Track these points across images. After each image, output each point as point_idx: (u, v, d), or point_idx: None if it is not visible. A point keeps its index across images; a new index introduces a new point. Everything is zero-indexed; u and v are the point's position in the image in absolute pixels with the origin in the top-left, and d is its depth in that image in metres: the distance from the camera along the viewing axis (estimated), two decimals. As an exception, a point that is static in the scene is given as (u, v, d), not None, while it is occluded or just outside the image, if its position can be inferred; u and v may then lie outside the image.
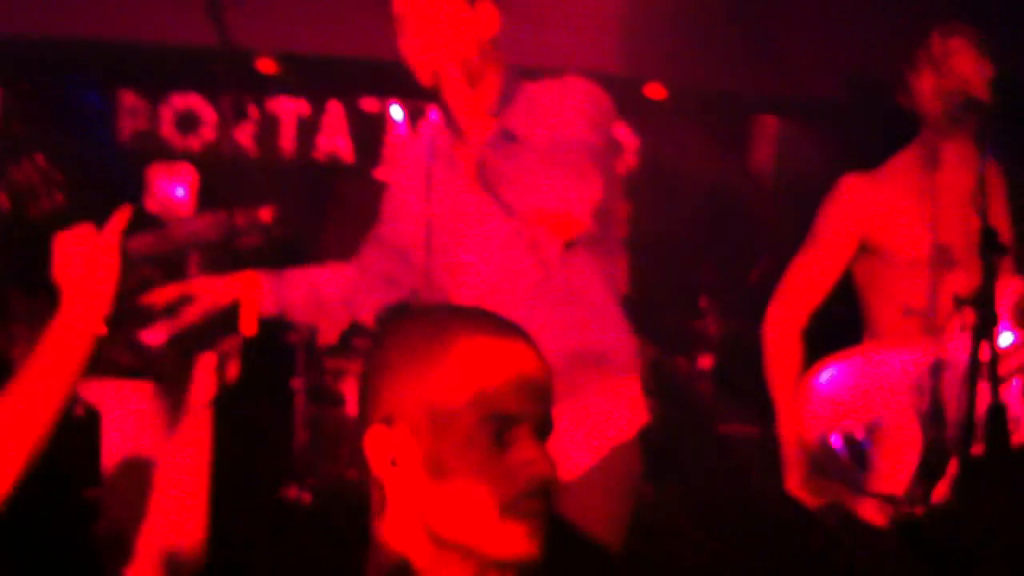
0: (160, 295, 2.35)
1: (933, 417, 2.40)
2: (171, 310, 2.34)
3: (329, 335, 4.73)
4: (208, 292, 2.40)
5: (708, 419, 4.47)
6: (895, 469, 2.41)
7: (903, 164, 2.54)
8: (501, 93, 2.22)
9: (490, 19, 2.20)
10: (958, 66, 2.36)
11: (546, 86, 2.24)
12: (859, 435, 2.45)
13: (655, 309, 4.87)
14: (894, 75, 2.50)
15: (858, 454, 2.45)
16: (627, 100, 6.23)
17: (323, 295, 2.48)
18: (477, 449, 1.23)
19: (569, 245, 2.25)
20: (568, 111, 2.20)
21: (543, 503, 1.25)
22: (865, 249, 2.52)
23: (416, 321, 1.32)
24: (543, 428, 1.28)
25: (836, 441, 2.48)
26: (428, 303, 2.36)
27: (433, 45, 2.15)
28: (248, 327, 2.44)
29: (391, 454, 1.25)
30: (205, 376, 2.35)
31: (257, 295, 2.42)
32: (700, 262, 5.69)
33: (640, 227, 5.76)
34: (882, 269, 2.51)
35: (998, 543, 2.24)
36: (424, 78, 2.17)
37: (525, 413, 1.26)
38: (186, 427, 2.33)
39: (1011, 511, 2.32)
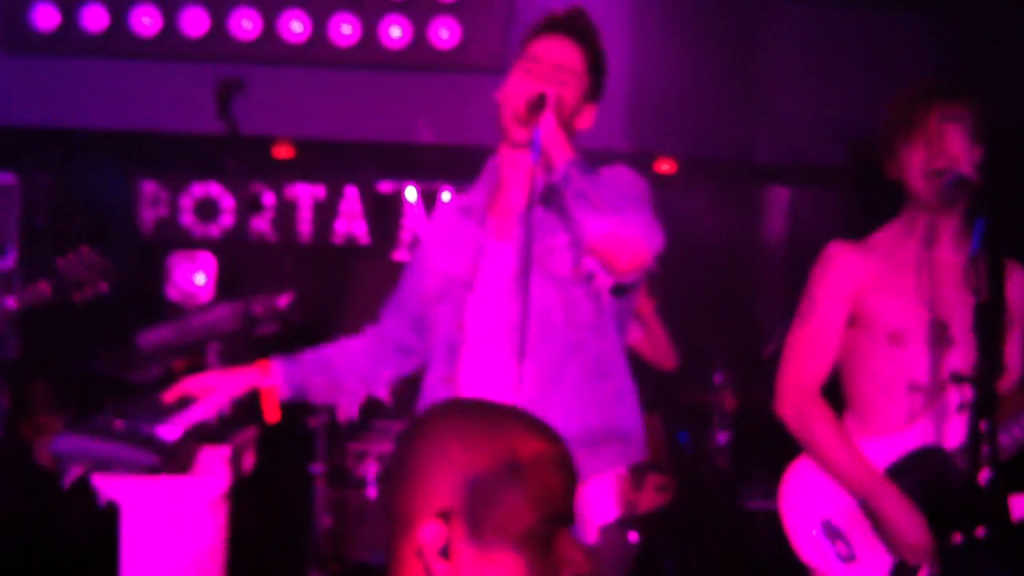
0: (176, 389, 2.42)
1: (923, 496, 2.41)
2: (186, 404, 2.40)
3: (348, 411, 4.76)
4: (224, 384, 2.46)
5: (726, 494, 4.46)
6: (873, 557, 2.42)
7: (889, 236, 2.55)
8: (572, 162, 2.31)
9: (591, 96, 2.43)
10: (950, 146, 2.38)
11: (598, 168, 2.35)
12: (843, 526, 2.46)
13: (670, 383, 4.88)
14: (885, 148, 2.52)
15: (835, 540, 2.46)
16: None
17: (338, 372, 2.55)
18: (531, 548, 1.28)
19: (620, 291, 2.32)
20: (625, 183, 2.36)
21: None
22: (853, 322, 2.51)
23: (470, 416, 1.36)
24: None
25: (821, 532, 2.48)
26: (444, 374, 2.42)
27: (555, 78, 2.34)
28: (270, 415, 2.50)
29: (444, 547, 1.29)
30: (221, 468, 2.39)
31: (273, 382, 2.48)
32: (714, 335, 5.71)
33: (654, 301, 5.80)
34: (867, 343, 2.49)
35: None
36: (519, 106, 2.33)
37: (572, 513, 1.33)
38: (204, 520, 2.36)
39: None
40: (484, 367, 2.39)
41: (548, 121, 2.28)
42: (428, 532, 1.28)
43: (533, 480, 1.30)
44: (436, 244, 2.55)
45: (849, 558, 2.44)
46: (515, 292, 2.33)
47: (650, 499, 4.23)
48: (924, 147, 2.41)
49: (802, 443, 2.51)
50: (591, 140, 6.06)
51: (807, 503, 2.49)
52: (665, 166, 6.09)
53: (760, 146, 6.16)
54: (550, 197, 2.36)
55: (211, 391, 2.44)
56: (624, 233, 2.18)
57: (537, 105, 2.30)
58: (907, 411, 2.43)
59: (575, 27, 2.43)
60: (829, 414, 2.49)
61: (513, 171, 2.45)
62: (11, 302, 3.16)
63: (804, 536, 2.48)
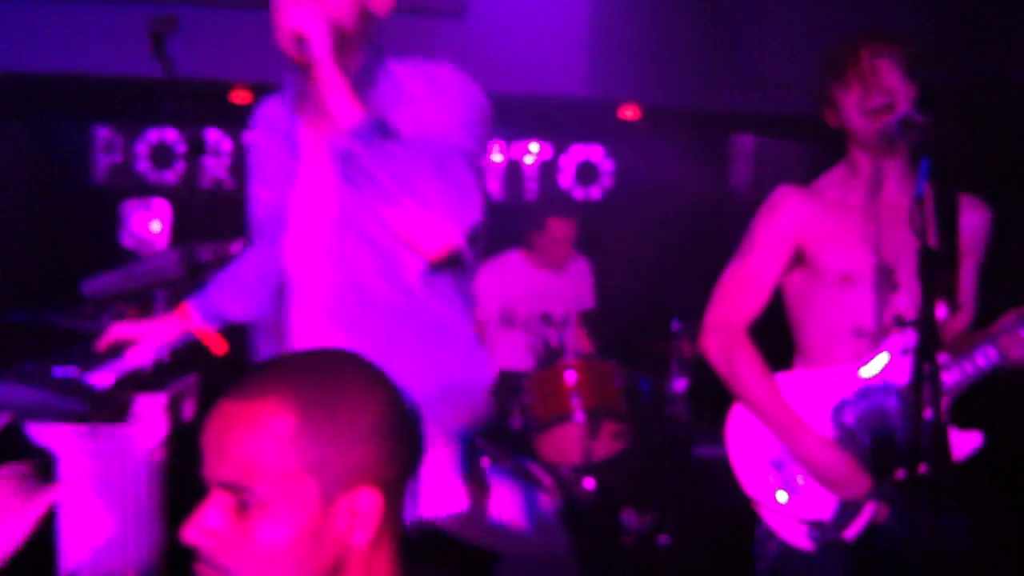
0: (106, 338, 2.38)
1: (858, 439, 2.42)
2: (117, 352, 2.37)
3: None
4: (150, 332, 2.41)
5: (683, 441, 4.48)
6: (822, 493, 2.42)
7: (835, 180, 2.54)
8: (366, 71, 2.02)
9: None
10: (885, 80, 2.36)
11: (415, 70, 2.03)
12: (786, 460, 2.45)
13: (629, 331, 4.89)
14: (823, 97, 2.49)
15: (787, 479, 2.46)
16: (601, 122, 6.28)
17: (244, 283, 2.40)
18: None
19: (436, 268, 2.06)
20: (443, 109, 1.98)
21: None
22: (799, 261, 2.51)
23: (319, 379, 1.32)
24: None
25: (767, 467, 2.47)
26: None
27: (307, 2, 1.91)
28: (215, 349, 2.46)
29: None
30: (157, 416, 2.37)
31: (194, 321, 2.41)
32: (675, 283, 5.71)
33: (616, 249, 5.80)
34: (815, 286, 2.49)
35: (941, 561, 2.26)
36: (288, 46, 1.94)
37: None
38: (140, 468, 2.35)
39: (952, 528, 2.34)
40: (310, 328, 2.16)
41: (323, 70, 1.92)
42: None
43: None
44: (252, 159, 2.27)
45: (795, 492, 2.44)
46: (332, 260, 2.09)
47: (606, 446, 4.24)
48: (859, 86, 2.39)
49: (724, 380, 2.50)
50: (552, 85, 6.03)
51: (754, 439, 2.48)
52: (629, 112, 6.04)
53: (726, 94, 6.12)
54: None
55: (140, 339, 2.39)
56: (423, 218, 1.91)
57: (301, 44, 1.92)
58: (854, 353, 2.43)
59: None
60: (753, 353, 2.47)
61: (322, 100, 1.99)
62: None
63: (750, 470, 2.47)
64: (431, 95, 1.99)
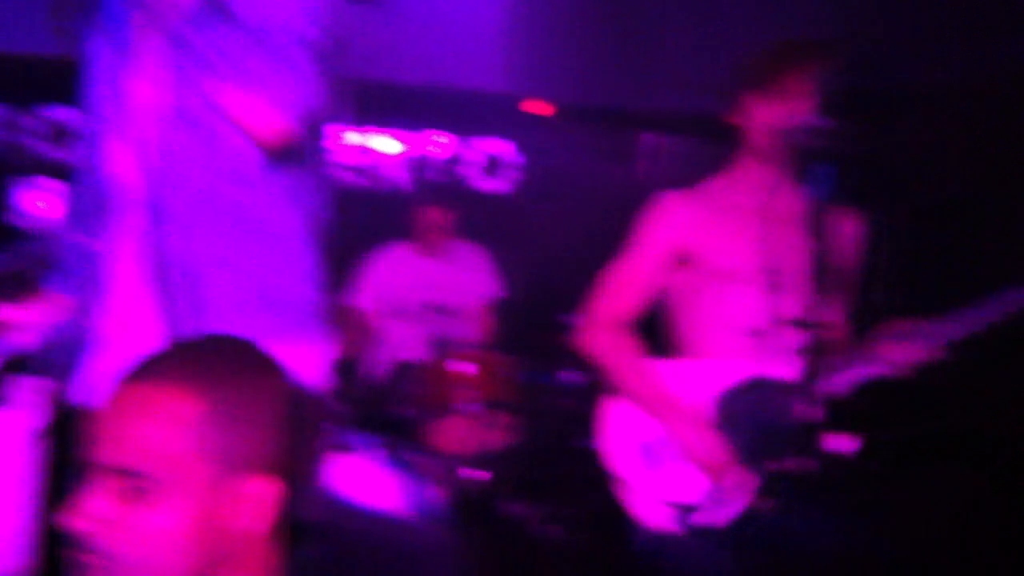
0: None
1: (737, 429, 2.45)
2: (3, 332, 2.30)
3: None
4: (34, 314, 2.35)
5: (572, 434, 4.51)
6: (691, 477, 2.45)
7: (722, 182, 2.59)
8: None
9: None
10: (806, 105, 2.39)
11: None
12: (656, 442, 2.47)
13: (530, 324, 4.90)
14: (733, 98, 2.53)
15: (656, 462, 2.48)
16: (511, 116, 6.28)
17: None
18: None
19: (273, 158, 1.98)
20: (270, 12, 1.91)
21: None
22: (683, 262, 2.53)
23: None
24: None
25: (636, 450, 2.49)
26: None
27: None
28: None
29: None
30: (37, 402, 2.31)
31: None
32: (580, 277, 5.74)
33: (521, 242, 5.81)
34: (701, 286, 2.53)
35: (810, 556, 2.31)
36: None
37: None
38: (16, 455, 2.29)
39: (821, 524, 2.40)
40: (128, 232, 2.06)
41: None
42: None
43: None
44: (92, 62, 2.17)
45: (664, 474, 2.45)
46: (158, 151, 1.99)
47: (500, 438, 4.25)
48: (779, 102, 2.44)
49: (602, 371, 2.52)
50: (465, 78, 6.02)
51: (625, 423, 2.50)
52: (539, 108, 6.07)
53: (636, 92, 6.17)
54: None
55: (23, 322, 2.33)
56: (253, 102, 1.88)
57: None
58: (739, 348, 2.48)
59: None
60: (631, 341, 2.51)
61: None
62: None
63: (619, 452, 2.49)
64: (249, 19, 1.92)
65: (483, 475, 4.07)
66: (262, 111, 1.89)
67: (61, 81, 5.18)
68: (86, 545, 1.22)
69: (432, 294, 4.75)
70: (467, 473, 4.02)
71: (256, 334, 1.96)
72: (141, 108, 2.04)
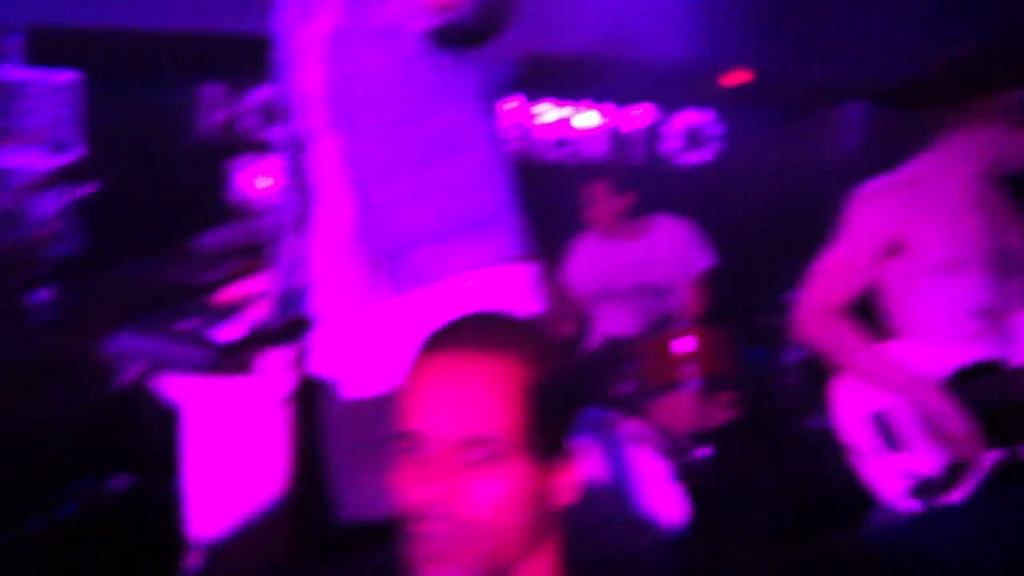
0: (235, 290, 2.35)
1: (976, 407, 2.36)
2: (246, 305, 2.34)
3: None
4: (270, 286, 2.38)
5: (793, 413, 4.39)
6: (928, 450, 2.38)
7: (932, 162, 2.50)
8: None
9: None
10: None
11: None
12: (893, 415, 2.43)
13: (737, 300, 4.78)
14: (980, 86, 2.43)
15: (892, 436, 2.42)
16: (710, 87, 6.15)
17: None
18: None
19: (452, 37, 1.88)
20: None
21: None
22: (895, 252, 2.47)
23: None
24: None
25: (871, 422, 2.46)
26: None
27: None
28: None
29: None
30: (284, 370, 2.34)
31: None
32: (784, 255, 5.57)
33: (722, 219, 5.67)
34: (919, 274, 2.45)
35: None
36: None
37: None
38: (266, 423, 2.32)
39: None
40: (314, 158, 2.06)
41: None
42: None
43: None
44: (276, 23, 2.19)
45: (897, 448, 2.41)
46: (331, 54, 1.95)
47: (720, 414, 4.17)
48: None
49: (828, 356, 2.50)
50: (660, 47, 5.90)
51: (858, 394, 2.47)
52: (736, 78, 5.93)
53: (838, 62, 5.96)
54: None
55: (262, 292, 2.37)
56: None
57: None
58: (967, 333, 2.41)
59: None
60: (851, 323, 2.48)
61: None
62: None
63: (852, 421, 2.47)
64: None
65: (705, 451, 4.01)
66: None
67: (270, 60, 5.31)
68: (430, 514, 1.21)
69: (637, 275, 4.65)
70: (689, 449, 3.96)
71: (460, 255, 1.95)
72: (319, 35, 2.00)
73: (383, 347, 1.91)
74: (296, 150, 2.13)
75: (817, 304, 2.51)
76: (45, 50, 5.17)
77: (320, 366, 2.17)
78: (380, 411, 1.92)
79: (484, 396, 1.22)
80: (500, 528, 1.21)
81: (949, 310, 2.42)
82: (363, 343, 1.97)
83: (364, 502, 2.03)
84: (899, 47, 5.63)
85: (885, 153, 2.65)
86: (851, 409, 2.48)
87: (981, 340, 2.39)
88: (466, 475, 1.21)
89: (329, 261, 2.10)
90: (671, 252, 4.73)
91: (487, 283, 1.97)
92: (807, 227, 6.16)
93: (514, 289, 2.00)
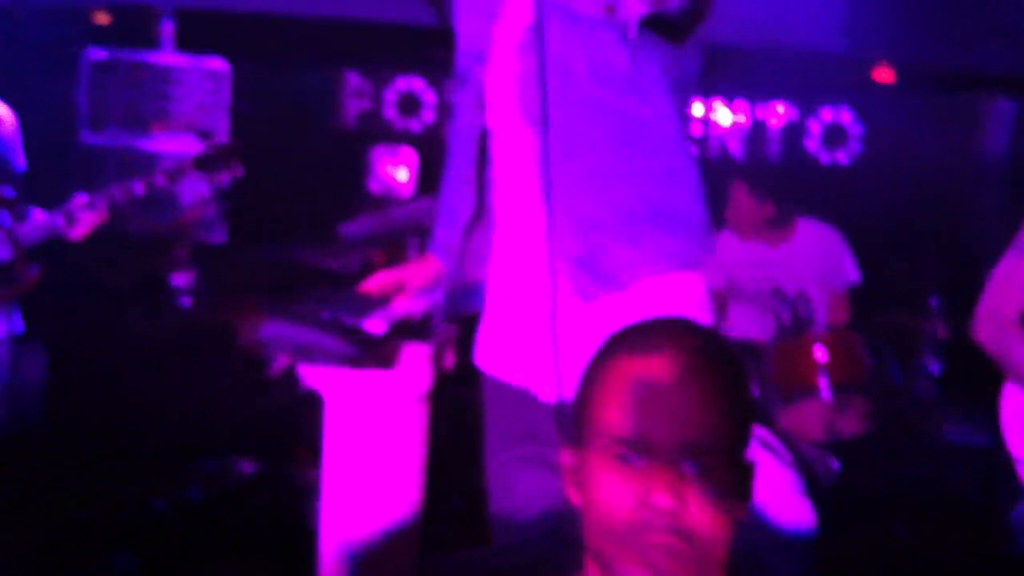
0: (376, 281, 2.36)
1: None
2: (388, 298, 2.35)
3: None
4: (411, 276, 2.38)
5: (930, 425, 4.25)
6: None
7: None
8: None
9: None
10: None
11: None
12: None
13: (876, 304, 4.65)
14: None
15: None
16: (853, 82, 5.98)
17: (451, 204, 2.28)
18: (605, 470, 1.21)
19: (662, 26, 1.83)
20: None
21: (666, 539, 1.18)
22: None
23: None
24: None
25: None
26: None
27: None
28: None
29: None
30: (423, 365, 2.35)
31: (443, 261, 2.33)
32: (930, 257, 5.40)
33: (866, 217, 5.52)
34: None
35: None
36: None
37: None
38: (405, 417, 2.34)
39: None
40: (504, 153, 2.04)
41: None
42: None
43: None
44: (457, 21, 2.18)
45: None
46: (528, 46, 1.90)
47: (853, 425, 4.04)
48: None
49: (999, 363, 2.51)
50: (807, 39, 5.75)
51: None
52: (883, 74, 5.74)
53: (987, 55, 5.74)
54: None
55: (405, 284, 2.37)
56: None
57: None
58: None
59: None
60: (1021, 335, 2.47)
61: None
62: (159, 179, 3.33)
63: (1018, 430, 2.46)
64: None
65: (835, 463, 3.90)
66: None
67: (416, 51, 5.37)
68: (654, 525, 1.18)
69: (779, 278, 4.52)
70: (818, 460, 3.86)
71: (652, 257, 1.93)
72: (516, 26, 1.99)
73: (572, 350, 1.86)
74: (474, 142, 2.12)
75: (990, 310, 2.51)
76: (195, 35, 5.32)
77: (495, 363, 2.16)
78: (552, 412, 1.92)
79: (703, 403, 1.19)
80: (717, 543, 1.19)
81: None
82: (551, 344, 1.91)
83: (525, 498, 2.04)
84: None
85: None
86: (1018, 418, 2.45)
87: None
88: (690, 486, 1.18)
89: (517, 258, 2.08)
90: (814, 260, 4.59)
91: (676, 288, 1.95)
92: (951, 229, 5.98)
93: (697, 294, 1.98)
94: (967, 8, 5.66)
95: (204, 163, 3.41)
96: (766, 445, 3.31)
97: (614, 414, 1.20)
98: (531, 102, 1.91)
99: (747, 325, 4.52)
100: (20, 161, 3.45)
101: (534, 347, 2.00)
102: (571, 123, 1.91)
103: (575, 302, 1.95)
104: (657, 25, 1.84)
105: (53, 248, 3.34)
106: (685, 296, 1.96)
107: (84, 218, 3.30)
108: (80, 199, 3.33)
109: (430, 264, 2.39)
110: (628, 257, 1.94)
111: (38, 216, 3.35)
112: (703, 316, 1.97)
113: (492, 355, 2.16)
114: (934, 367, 4.25)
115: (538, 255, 1.97)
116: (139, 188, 3.32)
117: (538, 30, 1.83)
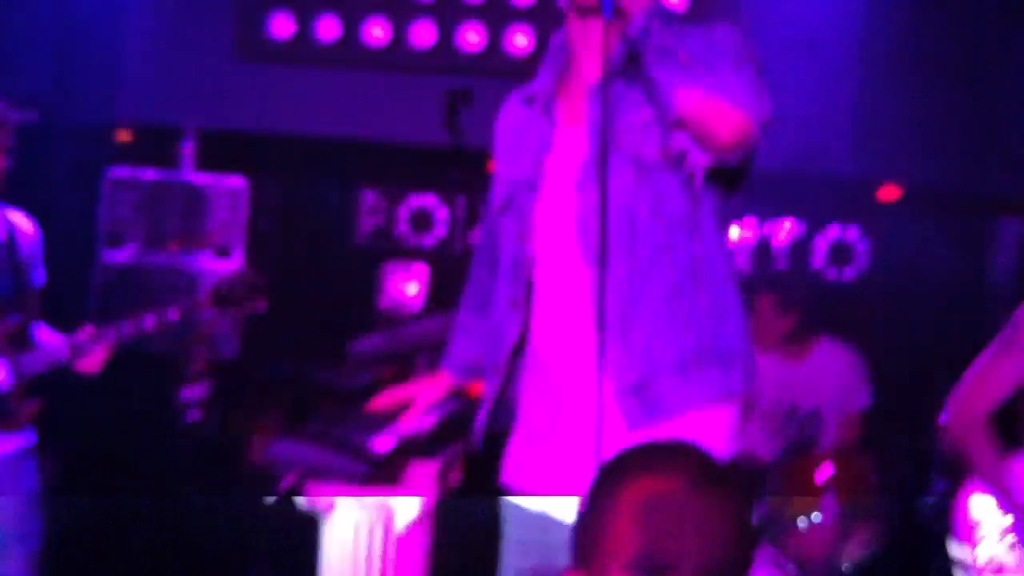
0: (382, 399, 2.41)
1: None
2: (395, 415, 2.39)
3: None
4: (421, 392, 2.43)
5: (941, 546, 4.20)
6: None
7: None
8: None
9: None
10: None
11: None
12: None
13: (882, 423, 4.64)
14: None
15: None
16: (859, 202, 6.06)
17: (486, 330, 2.34)
18: None
19: (721, 175, 1.96)
20: (721, 36, 1.99)
21: None
22: None
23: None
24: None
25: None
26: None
27: None
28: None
29: None
30: (429, 483, 2.38)
31: (454, 377, 2.41)
32: (931, 376, 5.40)
33: (870, 337, 5.56)
34: None
35: None
36: None
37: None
38: (410, 535, 2.36)
39: None
40: (554, 283, 2.12)
41: None
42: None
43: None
44: (500, 147, 2.28)
45: None
46: (588, 183, 2.00)
47: (861, 545, 4.00)
48: None
49: (961, 462, 2.61)
50: (813, 162, 5.86)
51: (988, 514, 2.55)
52: (889, 193, 5.83)
53: (993, 176, 5.83)
54: (630, 65, 2.01)
55: (413, 401, 2.41)
56: (720, 96, 1.86)
57: None
58: None
59: None
60: (987, 437, 2.55)
61: (583, 43, 2.07)
62: (172, 314, 3.21)
63: (987, 540, 2.55)
64: (704, 32, 2.00)
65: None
66: (726, 109, 1.87)
67: (430, 169, 5.48)
68: None
69: (792, 397, 4.50)
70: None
71: (699, 391, 2.01)
72: (572, 160, 2.08)
73: None
74: (522, 267, 2.18)
75: (961, 403, 2.59)
76: (215, 154, 5.45)
77: (526, 482, 2.19)
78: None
79: (713, 524, 1.21)
80: None
81: None
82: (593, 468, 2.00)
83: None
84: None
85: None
86: (984, 528, 2.52)
87: None
88: None
89: (559, 382, 2.13)
90: (832, 380, 4.56)
91: (716, 419, 2.04)
92: (959, 347, 5.97)
93: (732, 425, 2.07)
94: (973, 130, 5.77)
95: (223, 298, 3.27)
96: (777, 564, 3.30)
97: (625, 534, 1.21)
98: (590, 239, 1.99)
99: (757, 442, 4.50)
100: (40, 275, 3.38)
101: (572, 469, 2.03)
102: (632, 262, 2.01)
103: (619, 429, 1.99)
104: (718, 174, 1.97)
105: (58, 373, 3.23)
106: (722, 427, 2.05)
107: (91, 351, 3.20)
108: (87, 331, 3.23)
109: (440, 380, 2.44)
110: (678, 389, 2.02)
111: (44, 345, 3.25)
112: (733, 445, 2.06)
113: (524, 474, 2.19)
114: (940, 486, 4.22)
115: (585, 381, 2.02)
116: (150, 323, 3.21)
117: (600, 170, 1.91)
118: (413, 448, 2.37)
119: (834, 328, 4.79)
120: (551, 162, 2.12)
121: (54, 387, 3.28)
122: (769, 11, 5.49)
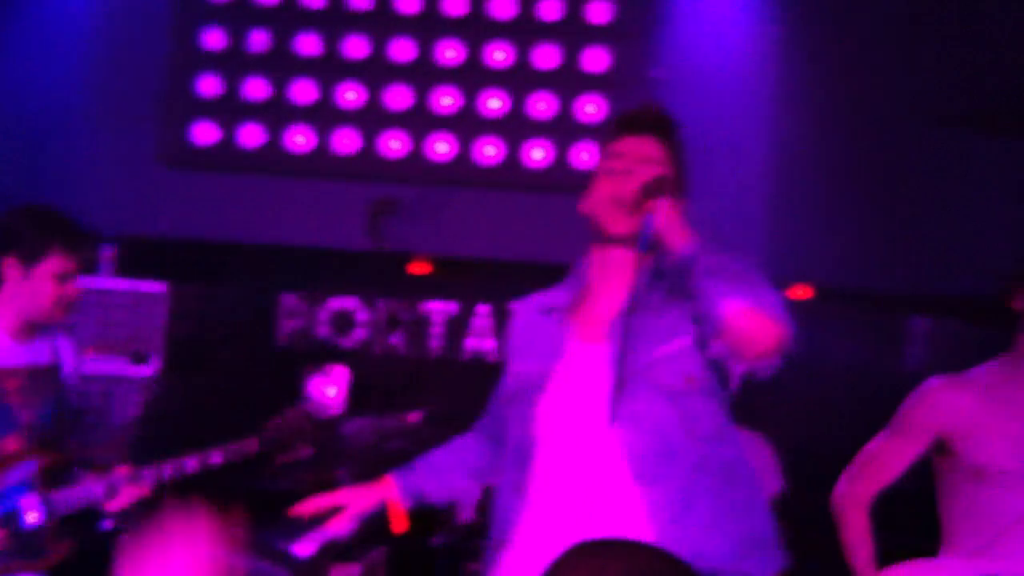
0: (308, 505, 2.41)
1: None
2: (319, 521, 2.39)
3: (466, 510, 4.70)
4: (352, 500, 2.44)
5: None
6: None
7: (994, 373, 2.61)
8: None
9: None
10: None
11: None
12: None
13: (794, 517, 4.70)
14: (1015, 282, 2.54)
15: None
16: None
17: (450, 473, 2.50)
18: None
19: (748, 378, 2.18)
20: (746, 267, 2.19)
21: None
22: (941, 451, 2.59)
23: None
24: None
25: None
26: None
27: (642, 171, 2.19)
28: (397, 526, 2.47)
29: None
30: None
31: (393, 495, 2.46)
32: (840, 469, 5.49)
33: (786, 437, 5.65)
34: (956, 475, 2.55)
35: None
36: (628, 202, 2.18)
37: None
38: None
39: None
40: (555, 475, 2.25)
41: (664, 205, 2.13)
42: None
43: None
44: (514, 343, 2.47)
45: None
46: (622, 412, 2.17)
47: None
48: None
49: (839, 530, 2.74)
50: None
51: None
52: (800, 292, 5.98)
53: (902, 275, 6.02)
54: (660, 291, 2.22)
55: (341, 508, 2.42)
56: (762, 310, 2.07)
57: (655, 188, 2.15)
58: (988, 550, 2.48)
59: (653, 122, 2.33)
60: (864, 523, 2.70)
61: (605, 272, 2.32)
62: (216, 456, 3.09)
63: None
64: (732, 262, 2.18)
65: None
66: (764, 319, 2.07)
67: (350, 272, 5.50)
68: None
69: None
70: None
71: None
72: (583, 376, 2.23)
73: None
74: (524, 457, 2.30)
75: (850, 488, 2.72)
76: (134, 260, 5.43)
77: None
78: None
79: None
80: None
81: (976, 521, 2.50)
82: None
83: None
84: (967, 259, 5.70)
85: (951, 369, 2.72)
86: None
87: (1002, 558, 2.45)
88: None
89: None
90: None
91: None
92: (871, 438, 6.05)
93: None
94: (883, 231, 5.96)
95: (271, 442, 3.15)
96: None
97: None
98: (639, 466, 2.15)
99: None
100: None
101: None
102: (674, 479, 2.15)
103: None
104: (752, 379, 2.19)
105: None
106: None
107: (126, 492, 3.00)
108: (123, 471, 3.04)
109: (379, 491, 2.46)
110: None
111: (81, 482, 3.04)
112: None
113: None
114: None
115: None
116: (192, 465, 3.07)
117: (619, 395, 2.12)
118: (335, 552, 2.37)
119: (748, 420, 4.87)
120: (561, 371, 2.28)
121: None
122: (691, 115, 5.67)
